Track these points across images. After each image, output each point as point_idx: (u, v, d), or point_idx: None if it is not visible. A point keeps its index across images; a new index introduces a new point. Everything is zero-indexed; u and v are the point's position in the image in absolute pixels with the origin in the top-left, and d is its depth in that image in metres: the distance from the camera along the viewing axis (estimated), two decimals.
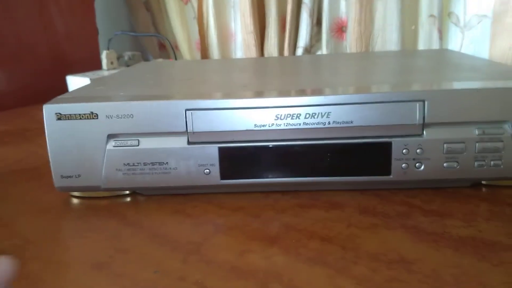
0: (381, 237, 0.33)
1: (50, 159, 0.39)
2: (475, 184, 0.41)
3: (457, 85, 0.39)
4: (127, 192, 0.42)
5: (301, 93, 0.39)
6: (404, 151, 0.38)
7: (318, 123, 0.37)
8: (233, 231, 0.35)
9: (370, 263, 0.30)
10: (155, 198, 0.41)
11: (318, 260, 0.30)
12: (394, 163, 0.38)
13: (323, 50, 0.89)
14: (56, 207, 0.41)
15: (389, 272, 0.29)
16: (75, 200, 0.42)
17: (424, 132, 0.38)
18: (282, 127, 0.38)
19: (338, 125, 0.37)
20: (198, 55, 1.13)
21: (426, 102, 0.37)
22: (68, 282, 0.30)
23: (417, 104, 0.37)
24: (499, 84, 0.38)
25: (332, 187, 0.41)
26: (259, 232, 0.35)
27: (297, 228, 0.35)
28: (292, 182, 0.39)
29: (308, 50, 0.93)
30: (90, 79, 0.81)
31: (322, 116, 0.37)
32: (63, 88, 0.86)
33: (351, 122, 0.37)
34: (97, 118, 0.38)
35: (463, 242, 0.32)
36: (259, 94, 0.40)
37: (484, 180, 0.41)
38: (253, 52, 0.99)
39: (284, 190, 0.41)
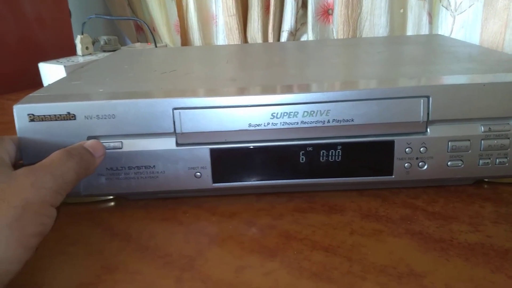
0: (388, 246, 0.31)
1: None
2: (477, 181, 0.39)
3: (462, 79, 0.37)
4: (111, 196, 0.39)
5: (299, 89, 0.36)
6: (407, 150, 0.36)
7: (317, 122, 0.35)
8: (228, 242, 0.32)
9: (379, 278, 0.28)
10: (142, 202, 0.38)
11: (324, 275, 0.28)
12: (396, 163, 0.36)
13: (309, 34, 0.86)
14: None
15: None
16: None
17: (428, 129, 0.36)
18: (279, 126, 0.35)
19: (338, 124, 0.35)
20: (177, 38, 1.08)
21: (430, 98, 0.35)
22: None
23: (422, 100, 0.35)
24: (506, 77, 0.36)
25: (329, 188, 0.39)
26: (256, 242, 0.32)
27: (298, 237, 0.32)
28: (290, 184, 0.37)
29: (293, 34, 0.89)
30: (65, 66, 0.76)
31: (321, 114, 0.35)
32: (35, 76, 0.81)
33: (352, 120, 0.35)
34: (75, 119, 0.34)
35: (472, 250, 0.30)
36: (253, 91, 0.37)
37: (487, 178, 0.39)
38: (236, 36, 0.95)
39: (278, 192, 0.39)
